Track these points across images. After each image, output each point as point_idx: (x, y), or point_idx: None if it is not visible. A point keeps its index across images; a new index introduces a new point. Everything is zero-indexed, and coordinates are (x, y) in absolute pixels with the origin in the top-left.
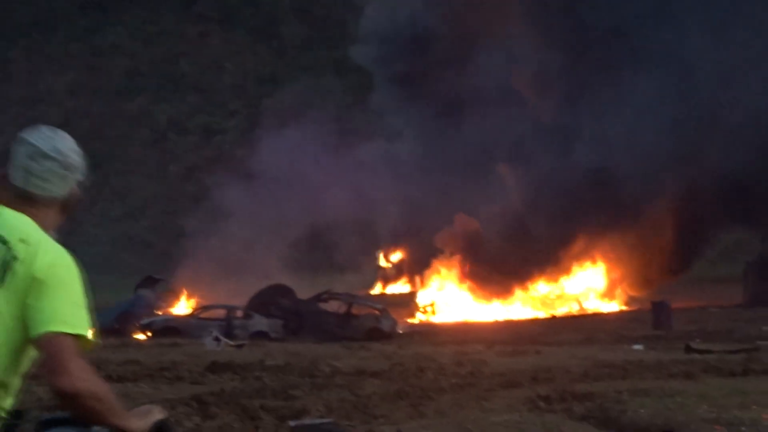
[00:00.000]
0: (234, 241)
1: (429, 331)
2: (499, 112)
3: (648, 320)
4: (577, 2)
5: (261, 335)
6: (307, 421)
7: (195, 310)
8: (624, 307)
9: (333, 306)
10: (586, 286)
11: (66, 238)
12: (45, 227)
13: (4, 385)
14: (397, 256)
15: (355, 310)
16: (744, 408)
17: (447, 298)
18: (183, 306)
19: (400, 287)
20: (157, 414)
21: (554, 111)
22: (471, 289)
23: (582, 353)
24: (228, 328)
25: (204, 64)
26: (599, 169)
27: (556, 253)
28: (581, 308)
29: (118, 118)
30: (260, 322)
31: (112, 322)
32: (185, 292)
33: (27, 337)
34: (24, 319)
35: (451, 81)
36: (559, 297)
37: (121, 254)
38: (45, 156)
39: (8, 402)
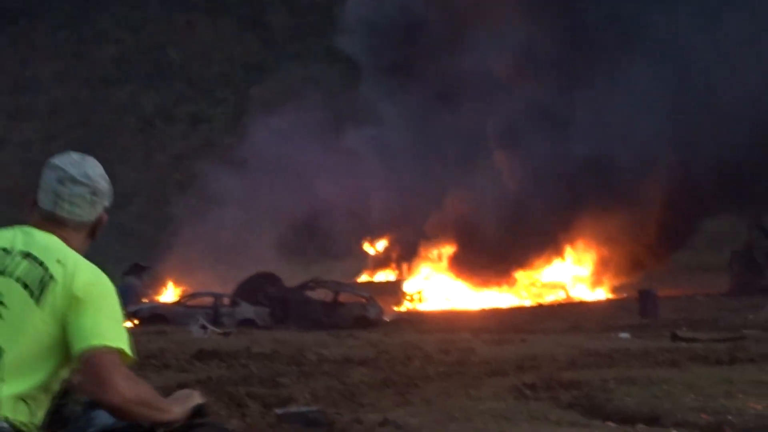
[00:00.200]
0: (222, 229)
1: (416, 320)
2: (490, 98)
3: (634, 309)
4: None
5: (248, 323)
6: (293, 409)
7: (182, 297)
8: (610, 296)
9: (320, 294)
10: (573, 275)
11: None
12: (73, 250)
13: (36, 401)
14: (384, 243)
15: (341, 298)
16: (730, 397)
17: (434, 286)
18: (170, 294)
19: (387, 275)
20: (196, 398)
21: (547, 97)
22: (460, 276)
23: (568, 341)
24: (215, 315)
25: (191, 52)
26: (592, 155)
27: (545, 241)
28: (568, 296)
29: (105, 106)
30: (247, 310)
31: None
32: (172, 280)
33: (66, 355)
34: (64, 337)
35: (442, 67)
36: (546, 285)
37: (108, 242)
38: (74, 181)
39: (39, 416)
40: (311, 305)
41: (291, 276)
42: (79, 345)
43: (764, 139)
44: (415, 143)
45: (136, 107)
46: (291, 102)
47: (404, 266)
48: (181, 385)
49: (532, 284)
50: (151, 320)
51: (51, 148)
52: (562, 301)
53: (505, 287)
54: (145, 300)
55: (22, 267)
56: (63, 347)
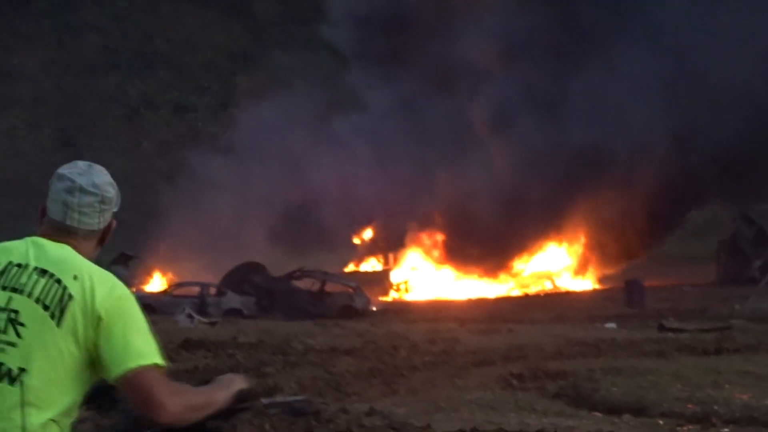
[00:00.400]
0: (208, 218)
1: (402, 309)
2: (481, 84)
3: (621, 299)
4: None
5: (234, 313)
6: (279, 398)
7: (168, 287)
8: (597, 286)
9: (306, 284)
10: (560, 264)
11: (37, 214)
12: (85, 257)
13: (62, 425)
14: (371, 233)
15: (328, 288)
16: (717, 387)
17: (421, 276)
18: (156, 283)
19: (374, 264)
20: (240, 383)
21: (540, 83)
22: (448, 265)
23: (555, 331)
24: (201, 305)
25: (176, 41)
26: (585, 142)
27: (536, 229)
28: (554, 286)
29: (90, 94)
30: (233, 300)
31: None
32: (158, 270)
33: (90, 377)
34: (88, 359)
35: (431, 54)
36: (533, 275)
37: None
38: (83, 191)
39: None
40: (297, 295)
41: (279, 266)
42: (116, 369)
43: (758, 126)
44: (403, 131)
45: (121, 96)
46: (277, 90)
47: (391, 256)
48: (168, 375)
49: (519, 273)
50: None
51: (36, 136)
52: (549, 291)
53: (493, 277)
54: (132, 289)
55: (40, 286)
56: (88, 369)
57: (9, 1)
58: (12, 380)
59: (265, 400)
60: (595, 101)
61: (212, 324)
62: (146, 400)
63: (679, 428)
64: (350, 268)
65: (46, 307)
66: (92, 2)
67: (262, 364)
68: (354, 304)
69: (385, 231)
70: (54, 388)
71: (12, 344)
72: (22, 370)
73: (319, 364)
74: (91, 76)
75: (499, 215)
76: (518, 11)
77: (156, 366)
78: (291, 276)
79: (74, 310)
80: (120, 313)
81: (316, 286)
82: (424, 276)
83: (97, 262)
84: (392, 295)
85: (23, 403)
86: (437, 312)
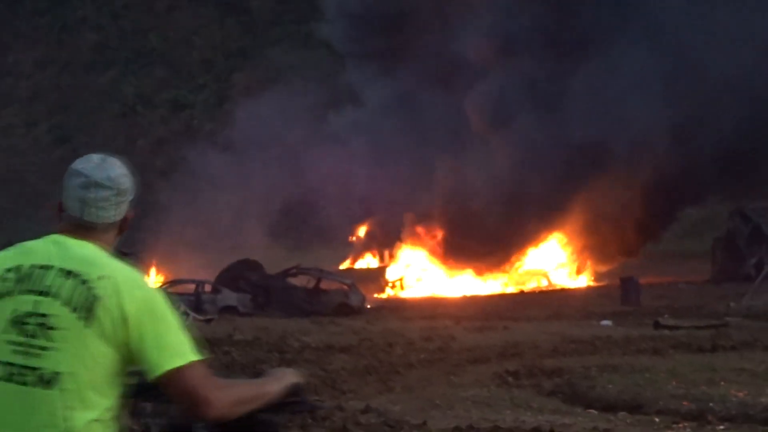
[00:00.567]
0: (204, 215)
1: (397, 307)
2: (479, 79)
3: (616, 296)
4: None
5: (230, 310)
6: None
7: (163, 284)
8: (592, 283)
9: (302, 281)
10: (555, 261)
11: (35, 212)
12: (106, 249)
13: (103, 424)
14: (367, 229)
15: (324, 286)
16: (712, 384)
17: (416, 273)
18: (152, 280)
19: (369, 262)
20: (292, 377)
21: (537, 78)
22: (444, 262)
23: (550, 329)
24: (197, 302)
25: (172, 38)
26: (584, 138)
27: (535, 226)
28: (550, 284)
29: (86, 91)
30: (229, 297)
31: None
32: (154, 266)
33: (127, 372)
34: (121, 359)
35: (428, 50)
36: (529, 273)
37: None
38: (99, 185)
39: None
40: (293, 292)
41: (275, 263)
42: (154, 371)
43: (758, 123)
44: (401, 127)
45: (117, 93)
46: (274, 87)
47: (386, 253)
48: None
49: (516, 270)
50: None
51: (33, 133)
52: (545, 289)
53: (489, 274)
54: None
55: (66, 287)
56: (124, 367)
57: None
58: (48, 384)
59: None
60: (595, 98)
61: (208, 321)
62: (190, 398)
63: (674, 425)
64: (346, 264)
65: (73, 309)
66: (89, 0)
67: (258, 361)
68: (349, 301)
69: (381, 228)
70: (91, 389)
71: (44, 348)
72: (56, 373)
73: (315, 362)
74: (87, 73)
75: (496, 212)
76: (517, 8)
77: (194, 363)
78: (287, 273)
79: (102, 310)
80: (149, 311)
81: (311, 284)
82: (419, 273)
83: None
84: (388, 293)
85: (63, 407)
86: (433, 309)
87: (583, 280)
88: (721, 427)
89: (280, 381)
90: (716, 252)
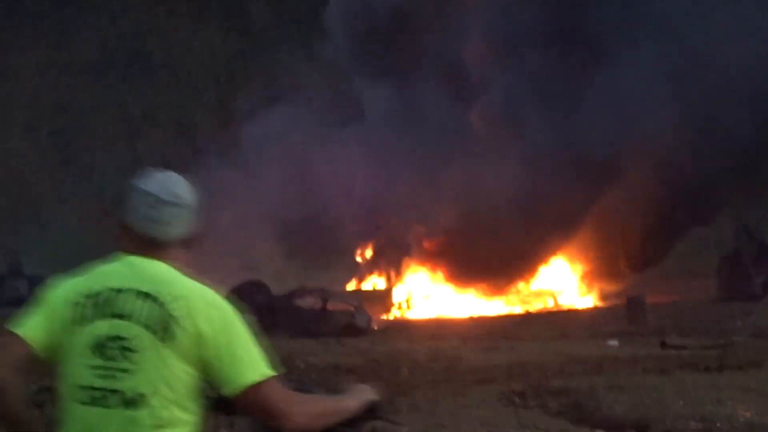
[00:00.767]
0: (210, 232)
1: (404, 327)
2: (483, 88)
3: (623, 315)
4: None
5: None
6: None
7: None
8: (599, 303)
9: (308, 302)
10: (562, 281)
11: (35, 215)
12: (176, 265)
13: None
14: (373, 249)
15: (330, 306)
16: (719, 403)
17: (423, 293)
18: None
19: (376, 282)
20: (370, 394)
21: (544, 83)
22: (451, 281)
23: (557, 348)
24: None
25: (173, 42)
26: (595, 152)
27: (541, 246)
28: (556, 304)
29: (86, 95)
30: None
31: None
32: None
33: (207, 388)
34: (199, 377)
35: (435, 59)
36: (535, 293)
37: (90, 232)
38: (165, 203)
39: None
40: (299, 313)
41: (281, 284)
42: (231, 387)
43: None
44: (406, 140)
45: (118, 96)
46: (278, 106)
47: (392, 273)
48: None
49: (522, 290)
50: None
51: (33, 137)
52: (551, 309)
53: (496, 294)
54: None
55: (143, 309)
56: (203, 383)
57: (3, 1)
58: (131, 405)
59: None
60: (606, 107)
61: None
62: (269, 412)
63: None
64: (353, 285)
65: (151, 330)
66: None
67: None
68: (356, 322)
69: (387, 247)
70: (174, 407)
71: (125, 371)
72: (140, 394)
73: (321, 383)
74: (87, 76)
75: (502, 235)
76: (522, 11)
77: (271, 378)
78: (293, 294)
79: (178, 329)
80: (224, 329)
81: (318, 305)
82: (426, 293)
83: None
84: (394, 313)
85: (151, 425)
86: (439, 329)
87: (590, 300)
88: None
89: (357, 397)
90: (722, 270)
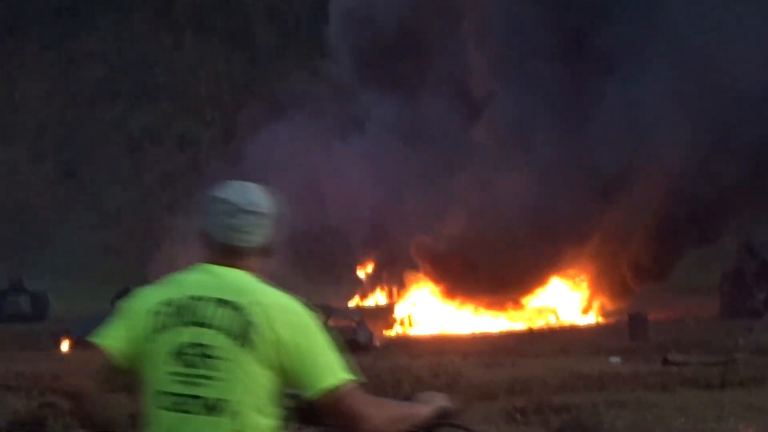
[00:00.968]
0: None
1: (406, 343)
2: (494, 102)
3: (624, 332)
4: None
5: None
6: None
7: None
8: (600, 319)
9: None
10: (565, 298)
11: (42, 244)
12: (256, 274)
13: None
14: (375, 265)
15: (332, 322)
16: (721, 420)
17: (424, 310)
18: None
19: (378, 298)
20: (441, 401)
21: (553, 100)
22: (453, 297)
23: (558, 365)
24: None
25: (179, 71)
26: (604, 170)
27: (545, 263)
28: (558, 320)
29: (92, 125)
30: None
31: (90, 334)
32: None
33: (286, 393)
34: (279, 382)
35: (438, 74)
36: (536, 309)
37: (96, 261)
38: (244, 211)
39: None
40: None
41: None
42: (311, 391)
43: None
44: (411, 156)
45: (124, 126)
46: (281, 121)
47: (394, 289)
48: None
49: (524, 307)
50: None
51: (39, 167)
52: (553, 325)
53: (499, 311)
54: None
55: (223, 316)
56: (283, 389)
57: (11, 32)
58: (212, 411)
59: None
60: (617, 125)
61: None
62: (348, 415)
63: None
64: (355, 301)
65: (231, 337)
66: (94, 33)
67: None
68: (357, 338)
69: (390, 262)
70: (256, 413)
71: (206, 377)
72: (221, 400)
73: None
74: (94, 106)
75: (511, 245)
76: (533, 26)
77: (348, 382)
78: None
79: (257, 336)
80: (301, 334)
81: (320, 321)
82: (428, 309)
83: (100, 292)
84: (396, 329)
85: (233, 431)
86: (441, 345)
87: (591, 317)
88: None
89: (429, 404)
90: (724, 287)
